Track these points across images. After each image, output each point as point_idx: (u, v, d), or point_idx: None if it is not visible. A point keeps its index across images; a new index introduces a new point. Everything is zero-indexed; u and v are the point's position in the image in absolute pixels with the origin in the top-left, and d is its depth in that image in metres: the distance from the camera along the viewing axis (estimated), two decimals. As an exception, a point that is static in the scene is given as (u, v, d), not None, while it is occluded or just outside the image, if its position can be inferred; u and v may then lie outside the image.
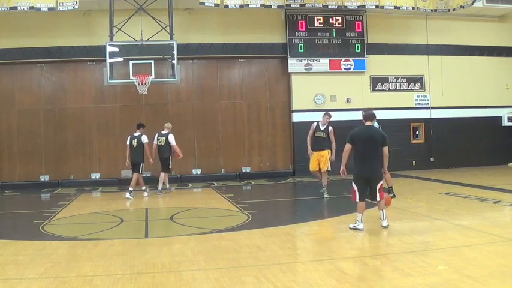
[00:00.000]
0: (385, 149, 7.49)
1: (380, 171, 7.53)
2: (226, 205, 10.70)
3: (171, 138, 12.78)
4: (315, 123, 10.85)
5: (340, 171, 7.73)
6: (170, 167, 13.09)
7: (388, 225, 7.46)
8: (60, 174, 15.76)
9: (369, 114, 7.67)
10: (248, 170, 16.66)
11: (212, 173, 16.27)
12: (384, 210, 7.51)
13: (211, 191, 13.43)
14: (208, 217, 9.70)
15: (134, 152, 12.34)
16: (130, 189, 12.12)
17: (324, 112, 11.18)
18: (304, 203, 11.70)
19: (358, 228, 7.40)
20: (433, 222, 8.20)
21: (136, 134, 12.49)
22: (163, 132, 12.92)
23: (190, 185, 15.04)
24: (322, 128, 10.77)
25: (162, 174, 12.93)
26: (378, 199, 7.46)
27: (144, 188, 12.58)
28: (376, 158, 7.45)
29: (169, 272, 5.55)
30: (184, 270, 5.60)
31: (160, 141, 12.83)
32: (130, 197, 11.99)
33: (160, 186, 12.90)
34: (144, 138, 12.35)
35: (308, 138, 10.83)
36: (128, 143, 12.52)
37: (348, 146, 7.53)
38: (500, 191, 11.14)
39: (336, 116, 16.35)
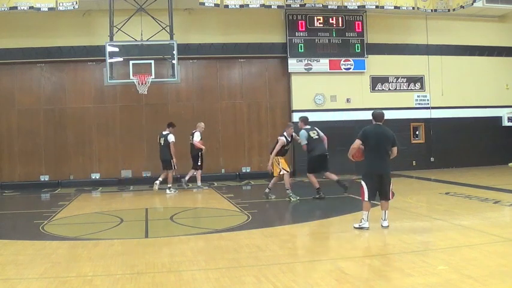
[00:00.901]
0: (395, 149, 7.53)
1: (390, 169, 7.55)
2: (226, 205, 10.70)
3: (195, 136, 13.49)
4: (284, 139, 10.95)
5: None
6: (199, 163, 13.62)
7: (388, 226, 7.46)
8: (60, 174, 15.76)
9: (378, 114, 7.66)
10: (248, 170, 16.66)
11: (212, 173, 16.25)
12: (386, 211, 7.50)
13: (211, 191, 13.42)
14: (208, 217, 9.71)
15: (161, 150, 13.04)
16: (169, 185, 12.89)
17: (288, 125, 11.54)
18: (304, 203, 11.68)
19: (364, 227, 7.39)
20: (433, 222, 8.20)
21: (165, 132, 13.05)
22: (193, 131, 13.68)
23: (190, 185, 15.02)
24: (290, 140, 11.12)
25: (191, 171, 13.73)
26: (390, 198, 7.49)
27: (170, 185, 12.97)
28: (387, 156, 7.49)
29: (169, 272, 5.55)
30: (184, 270, 5.60)
31: (190, 140, 13.68)
32: (171, 192, 12.78)
33: (198, 183, 13.72)
34: (170, 137, 12.89)
35: (276, 152, 10.92)
36: (158, 140, 13.27)
37: (357, 143, 7.48)
38: (500, 191, 11.14)
39: (336, 116, 16.50)
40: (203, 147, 13.54)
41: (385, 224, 7.47)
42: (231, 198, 11.65)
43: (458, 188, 11.99)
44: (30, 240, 7.42)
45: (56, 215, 9.83)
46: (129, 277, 5.34)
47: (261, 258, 6.04)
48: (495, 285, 4.73)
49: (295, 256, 6.43)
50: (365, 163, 7.54)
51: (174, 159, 12.79)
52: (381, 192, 7.46)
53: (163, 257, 6.26)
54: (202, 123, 13.85)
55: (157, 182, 12.98)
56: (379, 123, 7.61)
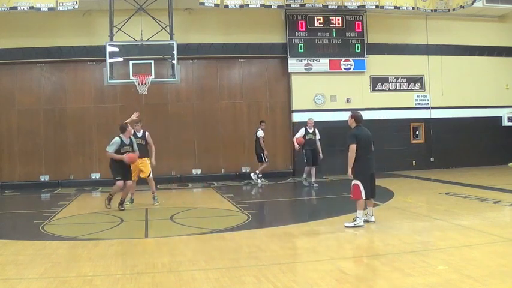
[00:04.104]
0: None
1: None
2: (226, 205, 10.70)
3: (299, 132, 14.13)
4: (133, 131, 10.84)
5: (349, 173, 7.74)
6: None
7: (375, 221, 7.82)
8: (60, 174, 15.75)
9: (361, 116, 8.10)
10: (248, 170, 16.59)
11: (212, 173, 16.26)
12: (372, 208, 7.94)
13: (211, 191, 13.42)
14: (208, 217, 9.70)
15: (254, 145, 14.83)
16: (259, 174, 14.78)
17: (139, 122, 11.20)
18: (304, 203, 11.69)
19: (359, 225, 7.54)
20: (433, 222, 8.20)
21: (257, 129, 14.69)
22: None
23: (190, 185, 15.04)
24: (140, 135, 10.94)
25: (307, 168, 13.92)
26: (375, 195, 7.95)
27: (260, 175, 14.79)
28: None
29: (169, 272, 5.55)
30: (184, 270, 5.60)
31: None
32: (260, 181, 14.65)
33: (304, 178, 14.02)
34: (258, 133, 14.58)
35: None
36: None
37: (354, 147, 7.68)
38: (500, 191, 11.14)
39: (336, 116, 16.49)
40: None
41: (373, 219, 7.85)
42: (231, 198, 11.65)
43: (458, 188, 11.99)
44: (30, 240, 7.42)
45: (56, 215, 9.84)
46: (129, 277, 5.35)
47: (261, 258, 6.04)
48: (495, 285, 4.74)
49: (295, 256, 6.44)
50: (359, 164, 7.67)
51: (264, 152, 14.45)
52: (371, 190, 7.77)
53: (163, 257, 6.26)
54: (309, 119, 13.97)
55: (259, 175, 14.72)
56: (361, 124, 7.98)
